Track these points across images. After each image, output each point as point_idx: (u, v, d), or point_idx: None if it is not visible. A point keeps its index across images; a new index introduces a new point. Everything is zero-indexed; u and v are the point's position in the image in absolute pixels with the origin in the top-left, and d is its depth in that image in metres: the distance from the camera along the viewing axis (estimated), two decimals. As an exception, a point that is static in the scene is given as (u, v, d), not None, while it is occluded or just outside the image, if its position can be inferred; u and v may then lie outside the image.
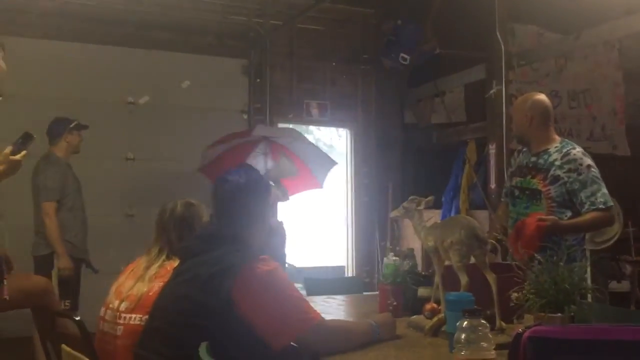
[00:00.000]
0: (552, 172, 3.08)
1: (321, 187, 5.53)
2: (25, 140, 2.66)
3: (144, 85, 5.86)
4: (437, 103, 6.67)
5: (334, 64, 6.76)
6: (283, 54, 6.54)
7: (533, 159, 3.18)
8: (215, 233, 2.12)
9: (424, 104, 6.84)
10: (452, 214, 5.96)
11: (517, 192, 3.23)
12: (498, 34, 5.24)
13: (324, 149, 10.77)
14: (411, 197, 2.70)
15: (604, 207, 3.00)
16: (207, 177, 5.00)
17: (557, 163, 3.08)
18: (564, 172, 3.05)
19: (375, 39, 6.82)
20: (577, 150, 3.11)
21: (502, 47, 5.20)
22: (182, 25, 6.03)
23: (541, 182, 3.10)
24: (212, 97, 6.12)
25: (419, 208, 2.67)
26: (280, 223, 2.76)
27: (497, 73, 5.28)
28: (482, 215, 5.47)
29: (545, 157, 3.13)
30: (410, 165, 6.75)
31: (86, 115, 5.49)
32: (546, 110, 3.20)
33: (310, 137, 12.44)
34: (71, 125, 4.64)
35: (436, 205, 5.92)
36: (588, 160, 3.07)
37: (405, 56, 6.09)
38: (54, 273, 4.35)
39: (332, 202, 7.25)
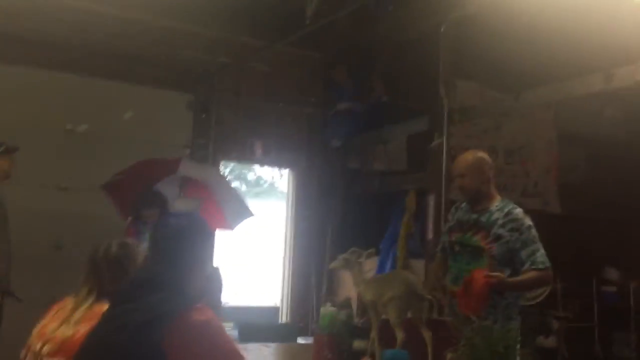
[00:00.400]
0: (494, 230, 3.15)
1: (231, 229, 5.50)
2: None
3: (85, 113, 5.72)
4: (380, 151, 6.76)
5: (280, 104, 6.79)
6: (230, 91, 6.53)
7: (474, 216, 3.24)
8: (151, 278, 2.04)
9: (367, 151, 6.92)
10: (389, 262, 6.01)
11: (457, 248, 3.26)
12: (441, 89, 5.39)
13: (264, 186, 10.77)
14: (352, 249, 2.71)
15: (542, 267, 3.12)
16: (109, 196, 4.99)
17: (500, 222, 3.16)
18: (506, 231, 3.13)
19: (323, 83, 6.91)
20: (519, 210, 3.23)
21: (445, 101, 5.35)
22: (128, 55, 5.94)
23: (483, 239, 3.16)
24: (155, 131, 6.01)
25: (359, 260, 2.68)
26: (217, 269, 2.71)
27: (439, 126, 5.41)
28: (419, 264, 5.52)
29: (487, 215, 3.20)
30: (351, 210, 6.78)
31: (21, 140, 5.31)
32: (491, 168, 3.36)
33: (252, 174, 12.44)
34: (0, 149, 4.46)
35: (374, 252, 5.98)
36: (528, 221, 3.19)
37: (337, 142, 6.31)
38: None
39: (270, 242, 7.21)
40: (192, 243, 2.09)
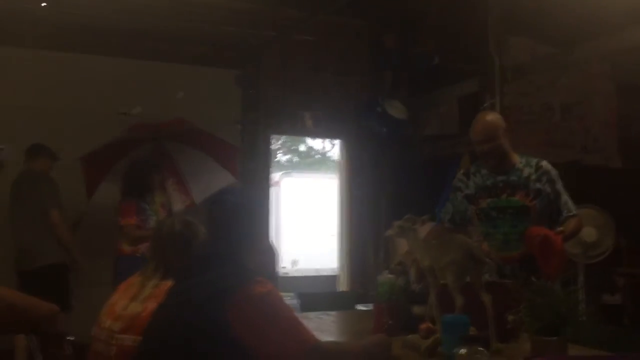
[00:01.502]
0: (532, 186, 3.12)
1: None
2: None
3: (137, 96, 5.83)
4: (432, 115, 6.67)
5: (328, 75, 6.76)
6: (276, 65, 6.53)
7: (501, 177, 3.17)
8: (211, 254, 2.10)
9: (419, 116, 6.85)
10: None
11: (494, 213, 3.18)
12: (491, 47, 5.26)
13: (317, 157, 10.79)
14: (407, 216, 2.69)
15: (575, 212, 3.16)
16: (86, 169, 5.07)
17: (534, 177, 3.14)
18: (543, 185, 3.13)
19: (368, 51, 6.84)
20: (545, 162, 3.23)
21: (495, 60, 5.22)
22: (174, 36, 6.01)
23: (525, 198, 3.11)
24: (205, 108, 6.08)
25: (414, 227, 2.66)
26: (271, 242, 2.74)
27: (491, 86, 5.29)
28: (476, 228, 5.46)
29: (517, 173, 3.16)
30: (405, 177, 6.74)
31: (77, 126, 5.52)
32: (507, 128, 3.25)
33: (303, 146, 12.50)
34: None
35: (430, 218, 5.95)
36: (555, 170, 3.22)
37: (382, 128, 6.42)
38: None
39: (327, 212, 7.25)
40: (247, 218, 2.13)
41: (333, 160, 7.11)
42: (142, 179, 4.89)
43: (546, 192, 3.12)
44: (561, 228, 3.02)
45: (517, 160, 3.19)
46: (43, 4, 5.48)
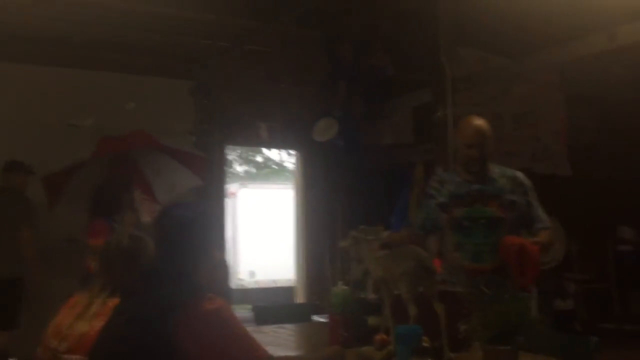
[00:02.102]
0: (506, 197, 3.05)
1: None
2: None
3: (88, 107, 5.71)
4: (386, 124, 6.72)
5: (283, 85, 6.74)
6: (232, 75, 6.48)
7: (476, 186, 3.09)
8: (158, 270, 2.04)
9: (374, 126, 6.89)
10: (402, 236, 6.00)
11: (466, 223, 3.08)
12: (442, 58, 5.33)
13: (273, 168, 10.75)
14: (360, 227, 2.70)
15: (548, 225, 3.13)
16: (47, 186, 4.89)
17: (508, 188, 3.07)
18: (516, 196, 3.07)
19: (324, 62, 6.86)
20: (520, 173, 3.18)
21: (447, 71, 5.29)
22: (127, 46, 5.92)
23: (499, 208, 3.04)
24: (159, 120, 5.97)
25: (368, 237, 2.67)
26: (222, 256, 2.70)
27: (443, 97, 5.36)
28: (431, 237, 5.50)
29: (492, 183, 3.09)
30: (360, 186, 6.76)
31: (26, 138, 5.37)
32: None
33: (260, 158, 12.46)
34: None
35: (385, 227, 5.98)
36: (530, 182, 3.18)
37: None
38: None
39: (283, 222, 7.22)
40: (197, 233, 2.08)
41: (289, 171, 7.07)
42: (112, 198, 4.76)
43: (520, 204, 3.07)
44: (537, 239, 2.98)
45: (492, 169, 3.13)
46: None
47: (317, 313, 4.38)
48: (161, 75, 6.08)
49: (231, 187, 8.87)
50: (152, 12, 5.91)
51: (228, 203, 6.72)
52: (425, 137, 6.01)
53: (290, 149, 7.02)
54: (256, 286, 9.10)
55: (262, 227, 9.58)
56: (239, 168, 11.93)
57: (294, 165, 7.11)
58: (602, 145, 6.71)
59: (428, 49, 5.45)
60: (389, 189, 6.48)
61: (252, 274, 9.55)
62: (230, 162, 10.20)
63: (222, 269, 2.31)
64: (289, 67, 6.79)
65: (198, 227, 2.09)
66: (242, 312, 5.59)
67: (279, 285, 8.36)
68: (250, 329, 2.02)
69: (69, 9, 5.58)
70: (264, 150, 9.23)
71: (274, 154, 10.73)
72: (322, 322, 3.62)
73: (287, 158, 7.37)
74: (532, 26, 5.56)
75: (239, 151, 11.40)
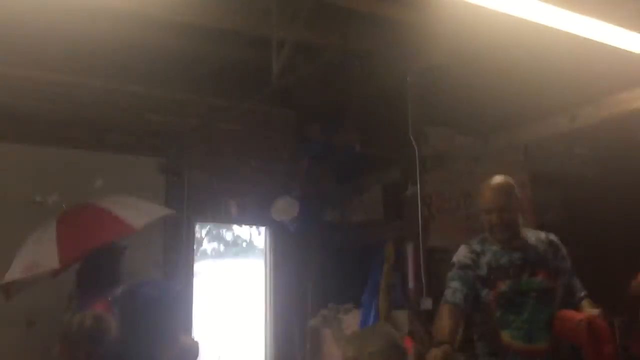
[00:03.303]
0: (551, 264, 2.76)
1: (137, 229, 4.49)
2: None
3: (54, 184, 5.62)
4: (356, 202, 6.75)
5: (253, 163, 6.78)
6: (202, 152, 6.51)
7: (517, 254, 2.76)
8: (121, 352, 1.96)
9: (344, 203, 6.92)
10: (372, 314, 5.91)
11: (517, 298, 2.71)
12: (411, 137, 5.45)
13: (243, 245, 10.64)
14: (330, 305, 2.65)
15: (587, 294, 2.86)
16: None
17: (550, 253, 2.78)
18: (558, 261, 2.79)
19: (295, 140, 6.95)
20: (553, 235, 2.88)
21: (416, 149, 5.40)
22: (95, 123, 5.92)
23: (549, 278, 2.72)
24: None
25: (338, 316, 2.62)
26: (195, 342, 2.60)
27: (412, 174, 5.44)
28: (402, 316, 5.43)
29: (532, 249, 2.77)
30: (330, 264, 6.71)
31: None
32: None
33: (229, 234, 12.31)
34: None
35: (355, 305, 5.89)
36: (562, 244, 2.88)
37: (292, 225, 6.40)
38: None
39: (251, 301, 7.07)
40: (162, 314, 2.01)
41: (259, 248, 7.01)
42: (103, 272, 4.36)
43: (564, 271, 2.77)
44: (596, 310, 2.65)
45: (526, 233, 2.82)
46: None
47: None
48: (130, 153, 6.06)
49: (199, 265, 8.72)
50: (121, 90, 5.98)
51: (195, 282, 6.58)
52: (395, 215, 6.04)
53: (260, 225, 6.97)
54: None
55: (230, 307, 9.37)
56: (207, 245, 11.77)
57: (263, 243, 7.04)
58: (568, 224, 6.81)
59: (398, 128, 5.57)
60: (360, 266, 6.43)
61: (218, 358, 9.25)
62: (200, 240, 10.08)
63: (188, 352, 2.22)
64: (258, 145, 6.86)
65: (162, 308, 2.02)
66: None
67: (247, 367, 8.09)
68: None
69: (36, 86, 5.62)
70: (234, 227, 9.13)
71: (244, 230, 10.63)
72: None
73: (256, 235, 7.32)
74: (497, 106, 5.74)
75: (207, 228, 11.30)
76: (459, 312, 2.79)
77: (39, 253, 4.17)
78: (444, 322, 2.76)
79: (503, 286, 2.72)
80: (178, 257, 6.12)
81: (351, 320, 5.22)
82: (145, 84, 6.04)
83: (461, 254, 2.92)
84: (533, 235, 2.83)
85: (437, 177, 5.92)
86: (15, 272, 4.11)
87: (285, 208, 6.38)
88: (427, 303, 5.04)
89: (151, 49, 5.45)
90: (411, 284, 5.29)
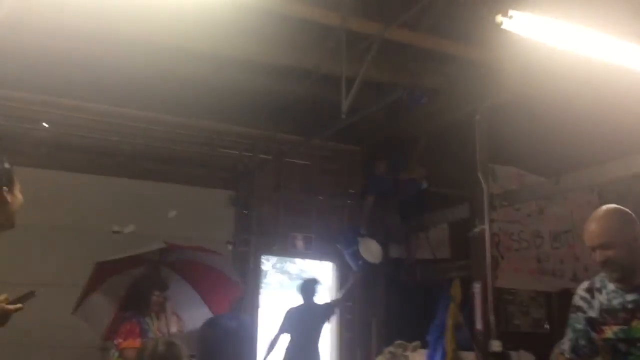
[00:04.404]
0: None
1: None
2: (27, 296, 2.46)
3: (131, 214, 5.88)
4: (422, 239, 6.71)
5: (320, 198, 6.87)
6: (270, 186, 6.66)
7: (632, 296, 2.38)
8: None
9: (410, 240, 6.89)
10: (439, 355, 5.80)
11: (622, 347, 2.41)
12: (479, 174, 5.40)
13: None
14: (397, 342, 2.66)
15: None
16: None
17: None
18: None
19: (362, 176, 7.01)
20: None
21: (484, 187, 5.34)
22: (172, 157, 6.18)
23: None
24: (199, 227, 6.11)
25: (405, 354, 2.61)
26: None
27: (480, 212, 5.37)
28: (470, 357, 5.32)
29: None
30: (395, 302, 6.66)
31: (71, 243, 5.52)
32: None
33: (294, 267, 12.41)
34: None
35: (422, 344, 5.82)
36: None
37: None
38: None
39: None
40: (240, 344, 2.09)
41: (324, 283, 7.03)
42: (145, 296, 4.59)
43: None
44: None
45: None
46: (44, 125, 5.67)
47: None
48: (203, 185, 6.28)
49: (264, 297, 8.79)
50: (196, 126, 6.21)
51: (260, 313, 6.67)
52: (462, 253, 5.97)
53: (325, 260, 7.01)
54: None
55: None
56: (272, 278, 11.89)
57: (328, 277, 7.07)
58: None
59: (466, 166, 5.54)
60: (426, 304, 6.36)
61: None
62: (265, 272, 10.19)
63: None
64: (325, 180, 6.95)
65: (242, 338, 2.10)
66: None
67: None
68: None
69: (119, 123, 5.91)
70: (299, 260, 9.21)
71: (308, 264, 10.70)
72: None
73: (321, 269, 7.35)
74: (568, 146, 5.63)
75: (273, 261, 11.43)
76: None
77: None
78: None
79: (609, 332, 2.44)
80: (245, 288, 6.21)
81: (417, 359, 5.15)
82: (218, 120, 6.26)
83: (577, 292, 2.60)
84: None
85: (505, 216, 5.83)
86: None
87: (373, 249, 6.41)
88: (496, 345, 4.93)
89: (225, 87, 5.66)
90: (479, 324, 5.19)
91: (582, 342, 2.55)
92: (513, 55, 4.94)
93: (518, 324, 5.63)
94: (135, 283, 4.80)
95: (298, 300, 6.21)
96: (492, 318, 5.11)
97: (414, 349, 2.62)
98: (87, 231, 5.68)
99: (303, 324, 6.00)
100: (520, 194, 5.57)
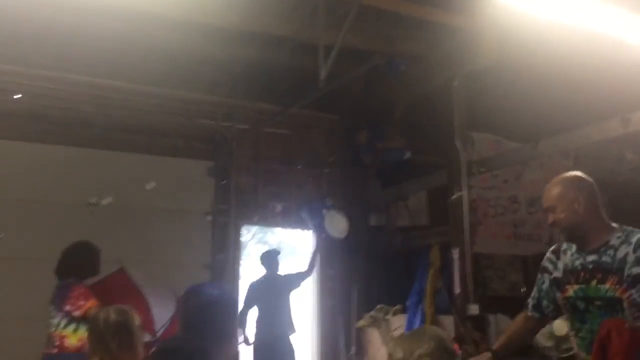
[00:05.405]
0: (628, 271, 2.40)
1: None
2: None
3: (108, 186, 5.81)
4: (401, 207, 6.76)
5: (299, 167, 6.86)
6: (249, 156, 6.62)
7: (592, 257, 2.50)
8: (179, 348, 2.04)
9: (389, 208, 6.93)
10: (418, 319, 5.90)
11: (581, 304, 2.52)
12: (457, 142, 5.44)
13: (287, 249, 10.69)
14: (378, 306, 2.69)
15: None
16: None
17: (631, 258, 2.41)
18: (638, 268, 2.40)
19: (341, 145, 7.01)
20: None
21: (461, 154, 5.38)
22: (148, 128, 6.09)
23: (616, 286, 2.42)
24: (177, 199, 6.10)
25: (386, 317, 2.65)
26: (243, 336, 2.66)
27: (458, 179, 5.43)
28: (448, 320, 5.42)
29: (611, 252, 2.46)
30: (375, 269, 6.73)
31: (47, 216, 5.46)
32: (593, 190, 2.57)
33: (274, 238, 12.44)
34: None
35: (402, 309, 5.90)
36: None
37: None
38: None
39: (296, 304, 7.13)
40: (222, 314, 2.10)
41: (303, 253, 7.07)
42: (83, 260, 4.43)
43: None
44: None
45: (615, 234, 2.49)
46: (16, 96, 5.55)
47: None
48: (181, 156, 6.22)
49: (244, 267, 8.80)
50: (173, 96, 6.14)
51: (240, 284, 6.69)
52: (441, 220, 6.04)
53: (305, 229, 7.04)
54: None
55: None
56: (252, 249, 11.92)
57: (309, 246, 7.10)
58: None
59: (444, 133, 5.56)
60: (406, 271, 6.44)
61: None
62: (246, 243, 10.19)
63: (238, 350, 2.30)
64: (304, 149, 6.94)
65: (222, 308, 2.11)
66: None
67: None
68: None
69: (94, 93, 5.81)
70: (279, 230, 9.22)
71: (288, 234, 10.73)
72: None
73: (301, 238, 7.37)
74: (545, 112, 5.68)
75: (253, 231, 11.44)
76: (527, 319, 2.78)
77: None
78: (509, 327, 2.83)
79: (571, 291, 2.57)
80: (225, 259, 6.22)
81: (399, 323, 5.24)
82: (194, 90, 6.19)
83: (546, 255, 2.74)
84: (623, 236, 2.49)
85: (483, 182, 5.89)
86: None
87: (338, 225, 6.41)
88: (473, 309, 5.02)
89: (200, 56, 5.59)
90: (457, 289, 5.27)
91: (545, 302, 2.70)
92: (491, 22, 4.94)
93: (495, 288, 5.72)
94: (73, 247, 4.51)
95: (260, 272, 6.21)
96: (470, 282, 5.20)
97: (395, 313, 2.66)
98: (63, 204, 5.61)
99: (267, 295, 6.03)
100: (498, 160, 5.63)
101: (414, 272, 6.27)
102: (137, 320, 2.64)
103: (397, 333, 2.66)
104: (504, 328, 2.76)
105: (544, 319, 2.78)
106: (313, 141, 7.05)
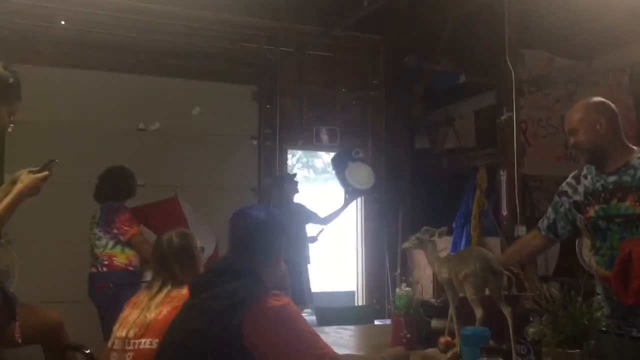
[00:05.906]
0: None
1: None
2: (48, 164, 2.63)
3: (155, 111, 5.89)
4: (448, 129, 6.66)
5: (343, 90, 6.79)
6: (293, 80, 6.57)
7: (612, 178, 2.56)
8: (229, 267, 2.10)
9: (435, 130, 6.84)
10: (463, 241, 5.92)
11: (602, 224, 2.58)
12: (508, 60, 5.24)
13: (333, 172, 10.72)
14: (424, 228, 2.68)
15: None
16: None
17: None
18: None
19: (385, 66, 6.87)
20: None
21: (512, 73, 5.20)
22: (193, 53, 6.08)
23: (636, 203, 2.48)
24: (223, 123, 6.14)
25: (432, 239, 2.65)
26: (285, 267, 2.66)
27: (508, 99, 5.26)
28: (494, 242, 5.42)
29: (631, 172, 2.53)
30: (421, 191, 6.72)
31: (97, 142, 5.59)
32: (614, 113, 2.62)
33: (319, 162, 12.49)
34: None
35: (447, 231, 5.92)
36: None
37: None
38: None
39: (343, 227, 7.22)
40: (268, 235, 2.14)
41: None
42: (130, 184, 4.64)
43: None
44: None
45: (636, 155, 2.56)
46: (62, 23, 5.58)
47: (377, 317, 4.37)
48: (226, 81, 6.21)
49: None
50: (217, 19, 6.07)
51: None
52: (488, 141, 5.93)
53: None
54: (316, 290, 9.11)
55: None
56: (298, 172, 12.05)
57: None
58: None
59: (493, 51, 5.37)
60: (452, 193, 6.41)
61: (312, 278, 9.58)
62: (291, 167, 10.27)
63: (285, 278, 2.34)
64: (349, 72, 6.83)
65: (269, 229, 2.14)
66: (302, 314, 5.56)
67: (339, 289, 8.36)
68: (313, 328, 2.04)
69: (138, 18, 5.79)
70: (324, 154, 9.24)
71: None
72: (384, 325, 3.62)
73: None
74: (599, 28, 5.40)
75: (298, 155, 11.50)
76: (539, 238, 2.89)
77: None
78: (511, 246, 2.98)
79: (592, 211, 2.62)
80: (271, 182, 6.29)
81: (444, 245, 5.27)
82: (237, 12, 6.10)
83: (567, 180, 2.79)
84: None
85: (534, 102, 5.72)
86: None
87: (361, 176, 6.09)
88: (521, 230, 4.98)
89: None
90: (504, 211, 5.23)
91: (562, 223, 2.78)
92: None
93: (543, 210, 5.64)
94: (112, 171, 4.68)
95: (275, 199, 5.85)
96: (518, 204, 5.14)
97: (441, 235, 2.65)
98: (112, 129, 5.72)
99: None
100: (550, 78, 5.42)
101: (460, 194, 6.23)
102: (197, 243, 2.72)
103: (442, 254, 2.66)
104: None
105: (555, 241, 2.88)
106: (357, 63, 6.93)
